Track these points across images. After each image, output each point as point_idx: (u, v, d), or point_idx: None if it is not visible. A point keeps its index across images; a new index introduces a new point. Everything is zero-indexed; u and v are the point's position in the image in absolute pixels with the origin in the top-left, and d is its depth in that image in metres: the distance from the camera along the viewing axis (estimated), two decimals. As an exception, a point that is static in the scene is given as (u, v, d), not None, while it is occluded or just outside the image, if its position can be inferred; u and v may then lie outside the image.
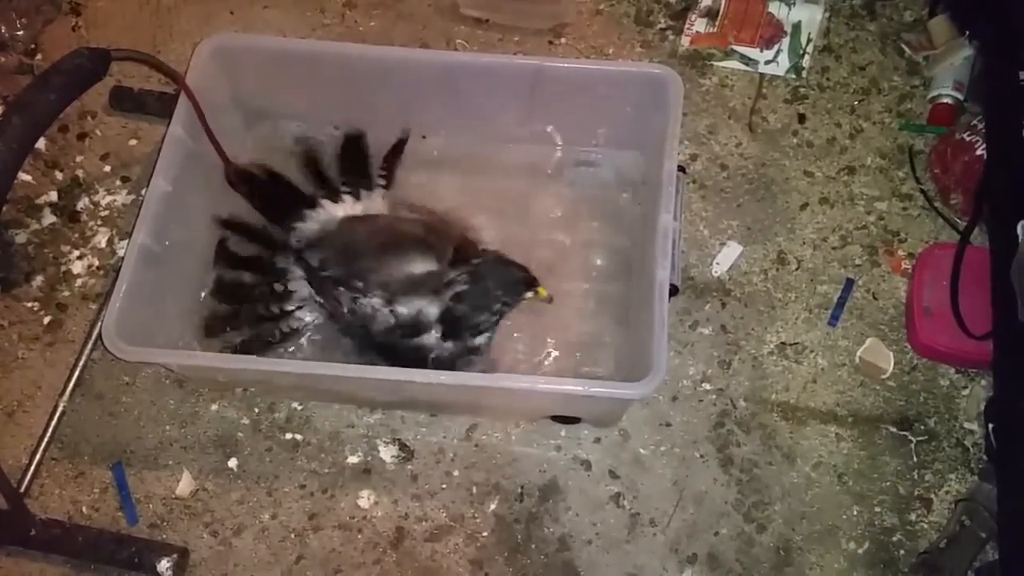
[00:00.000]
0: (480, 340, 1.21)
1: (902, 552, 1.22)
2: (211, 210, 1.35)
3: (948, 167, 1.38)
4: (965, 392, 1.30)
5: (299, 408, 1.31)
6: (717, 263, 1.38)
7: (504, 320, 1.28)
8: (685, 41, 1.56)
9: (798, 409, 1.29)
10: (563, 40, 1.57)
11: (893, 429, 1.28)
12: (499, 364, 1.25)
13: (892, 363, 1.31)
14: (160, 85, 1.50)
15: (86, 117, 1.52)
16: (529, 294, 1.20)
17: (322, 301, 1.26)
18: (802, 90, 1.51)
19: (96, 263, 1.41)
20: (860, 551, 1.22)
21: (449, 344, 1.20)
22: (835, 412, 1.29)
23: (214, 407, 1.31)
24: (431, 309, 1.19)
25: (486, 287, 1.19)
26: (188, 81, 1.23)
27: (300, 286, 1.28)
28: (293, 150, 1.40)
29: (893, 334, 1.33)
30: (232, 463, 1.28)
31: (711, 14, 1.57)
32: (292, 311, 1.28)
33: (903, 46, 1.54)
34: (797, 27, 1.55)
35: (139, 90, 1.51)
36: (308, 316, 1.28)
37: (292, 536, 1.24)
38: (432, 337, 1.19)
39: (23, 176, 1.45)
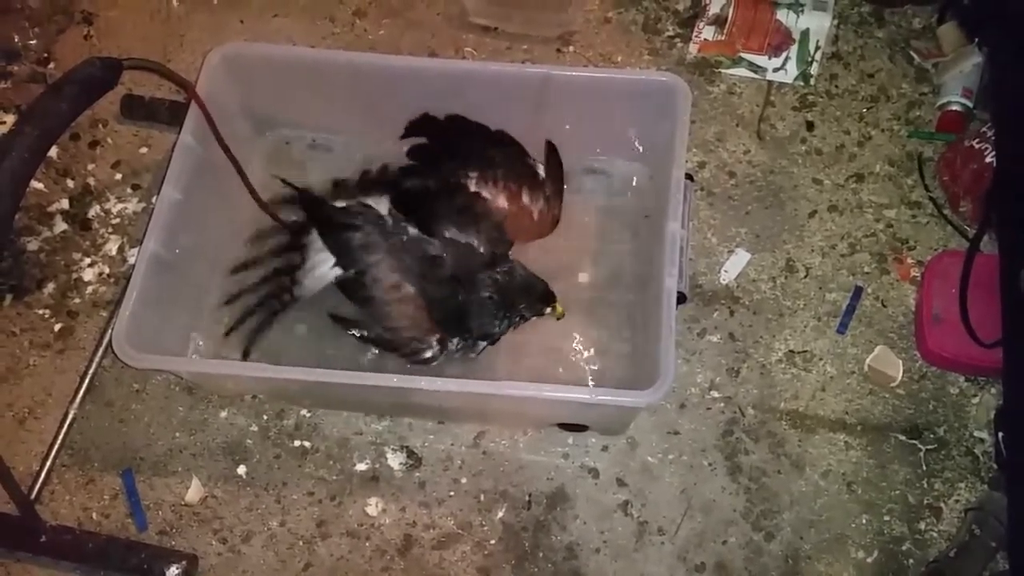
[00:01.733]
0: (482, 343, 1.23)
1: (911, 561, 1.21)
2: (221, 218, 1.36)
3: (957, 174, 1.38)
4: (975, 400, 1.29)
5: (307, 415, 1.31)
6: (725, 271, 1.38)
7: (512, 329, 1.28)
8: (693, 49, 1.56)
9: (807, 417, 1.29)
10: (571, 48, 1.57)
11: (902, 437, 1.27)
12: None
13: (901, 371, 1.31)
14: (171, 94, 1.51)
15: (97, 125, 1.53)
16: (548, 310, 1.22)
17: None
18: (810, 97, 1.51)
19: (107, 271, 1.42)
20: (869, 560, 1.21)
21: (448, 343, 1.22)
22: (844, 420, 1.29)
23: (223, 414, 1.32)
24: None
25: (511, 297, 1.20)
26: (198, 90, 1.24)
27: (316, 251, 1.28)
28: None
29: (902, 342, 1.33)
30: (241, 470, 1.28)
31: (719, 22, 1.57)
32: (303, 278, 1.27)
33: (912, 53, 1.53)
34: (805, 34, 1.55)
35: (150, 99, 1.52)
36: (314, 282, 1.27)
37: (300, 543, 1.24)
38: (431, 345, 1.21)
39: (35, 184, 1.46)
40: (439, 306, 1.21)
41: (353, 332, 1.24)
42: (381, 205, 1.26)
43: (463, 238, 1.23)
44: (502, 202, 1.26)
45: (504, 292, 1.21)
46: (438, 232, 1.23)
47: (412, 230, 1.24)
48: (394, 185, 1.29)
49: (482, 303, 1.20)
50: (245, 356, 1.29)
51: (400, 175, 1.31)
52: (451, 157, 1.30)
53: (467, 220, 1.24)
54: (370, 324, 1.24)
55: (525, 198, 1.27)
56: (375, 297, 1.22)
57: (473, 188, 1.26)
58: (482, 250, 1.23)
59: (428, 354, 1.22)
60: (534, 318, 1.24)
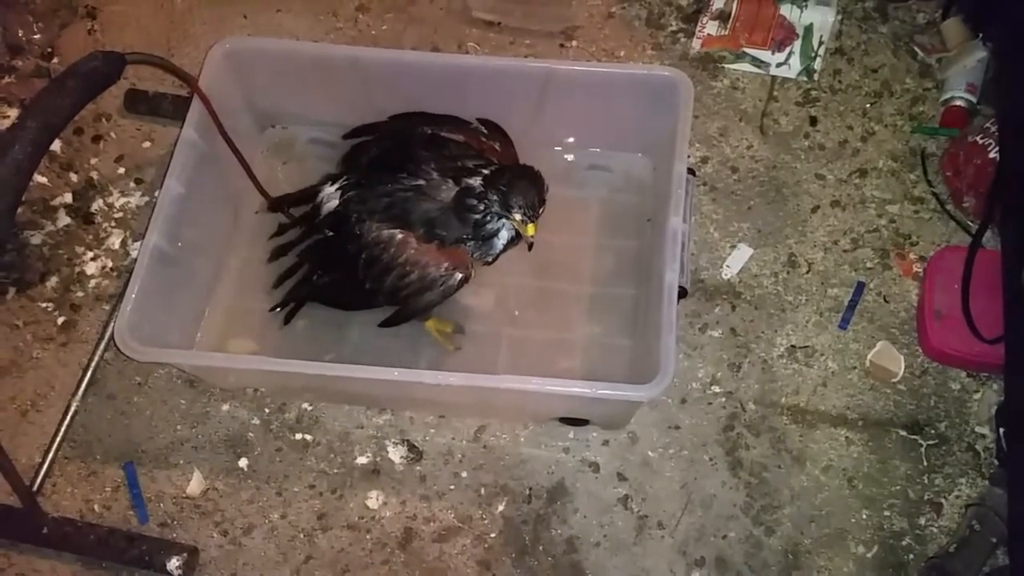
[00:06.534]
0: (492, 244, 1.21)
1: (911, 556, 1.21)
2: (223, 212, 1.36)
3: (960, 170, 1.37)
4: (976, 396, 1.29)
5: (309, 408, 1.32)
6: (727, 266, 1.38)
7: (513, 323, 1.28)
8: (697, 44, 1.55)
9: (808, 412, 1.29)
10: (574, 43, 1.57)
11: (903, 433, 1.27)
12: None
13: (903, 366, 1.31)
14: (174, 88, 1.52)
15: (101, 120, 1.54)
16: (518, 217, 1.14)
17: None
18: (814, 93, 1.51)
19: (110, 264, 1.42)
20: (869, 555, 1.21)
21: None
22: (845, 415, 1.29)
23: (225, 407, 1.32)
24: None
25: (498, 179, 1.17)
26: (201, 84, 1.24)
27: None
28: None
29: (904, 337, 1.33)
30: (242, 463, 1.29)
31: (723, 16, 1.57)
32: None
33: (916, 48, 1.53)
34: (809, 29, 1.55)
35: (153, 93, 1.53)
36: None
37: (301, 536, 1.25)
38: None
39: (38, 178, 1.47)
40: (427, 224, 1.20)
41: (404, 322, 1.26)
42: (331, 190, 1.28)
43: (438, 162, 1.22)
44: (460, 139, 1.27)
45: (490, 180, 1.17)
46: (416, 171, 1.22)
47: (375, 182, 1.24)
48: (355, 166, 1.31)
49: (467, 192, 1.17)
50: (286, 322, 1.32)
51: (354, 153, 1.34)
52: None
53: (437, 149, 1.24)
54: (407, 304, 1.24)
55: (482, 138, 1.28)
56: (385, 265, 1.21)
57: (430, 132, 1.27)
58: (468, 164, 1.22)
59: (459, 276, 1.20)
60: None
